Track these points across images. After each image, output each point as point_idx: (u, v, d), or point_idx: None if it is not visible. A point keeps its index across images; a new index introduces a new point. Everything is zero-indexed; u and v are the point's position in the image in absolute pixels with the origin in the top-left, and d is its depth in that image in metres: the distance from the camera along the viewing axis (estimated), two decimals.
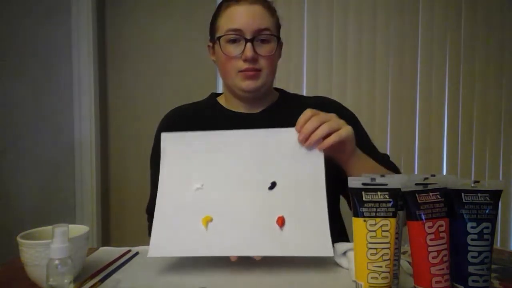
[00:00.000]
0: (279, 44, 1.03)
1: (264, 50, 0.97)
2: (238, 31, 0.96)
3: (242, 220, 0.76)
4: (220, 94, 1.15)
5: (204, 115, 1.09)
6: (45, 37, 2.11)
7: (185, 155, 0.83)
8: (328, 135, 0.80)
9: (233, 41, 0.97)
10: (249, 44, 0.95)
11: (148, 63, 2.22)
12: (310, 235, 0.74)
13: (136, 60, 2.23)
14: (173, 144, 0.84)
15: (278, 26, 1.03)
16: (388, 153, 1.11)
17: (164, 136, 0.85)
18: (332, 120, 0.81)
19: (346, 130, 0.81)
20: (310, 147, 0.80)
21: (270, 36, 0.98)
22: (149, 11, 2.21)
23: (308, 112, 0.82)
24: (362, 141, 1.04)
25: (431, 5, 2.16)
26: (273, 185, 0.78)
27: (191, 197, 0.79)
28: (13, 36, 2.10)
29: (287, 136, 0.82)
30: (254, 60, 0.96)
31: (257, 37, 0.96)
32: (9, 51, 2.10)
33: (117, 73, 2.25)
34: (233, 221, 0.76)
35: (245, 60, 0.96)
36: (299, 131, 0.81)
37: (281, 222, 0.75)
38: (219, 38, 0.98)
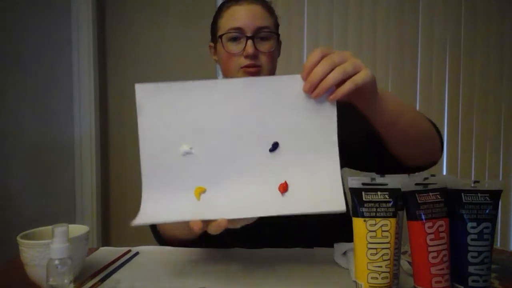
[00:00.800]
0: (278, 42, 1.06)
1: (264, 47, 0.99)
2: (239, 29, 0.98)
3: (239, 189, 0.67)
4: None
5: None
6: (45, 37, 2.11)
7: (168, 110, 0.69)
8: (342, 81, 0.66)
9: (234, 39, 1.00)
10: (249, 41, 0.97)
11: (148, 63, 2.22)
12: (319, 189, 0.64)
13: (136, 60, 2.23)
14: (152, 97, 0.69)
15: (277, 25, 1.06)
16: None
17: (139, 87, 0.70)
18: (348, 61, 0.66)
19: (364, 74, 0.66)
20: (319, 98, 0.67)
21: (270, 33, 1.01)
22: (149, 11, 2.21)
23: (316, 52, 0.67)
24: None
25: (431, 5, 2.16)
26: (274, 147, 0.68)
27: (179, 163, 0.69)
28: (13, 36, 2.09)
29: (291, 84, 0.68)
30: (255, 56, 0.98)
31: (257, 35, 0.99)
32: (9, 50, 2.10)
33: (117, 73, 2.25)
34: (229, 191, 0.67)
35: (246, 57, 0.98)
36: (305, 79, 0.67)
37: (283, 189, 0.67)
38: (220, 36, 1.01)
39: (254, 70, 0.99)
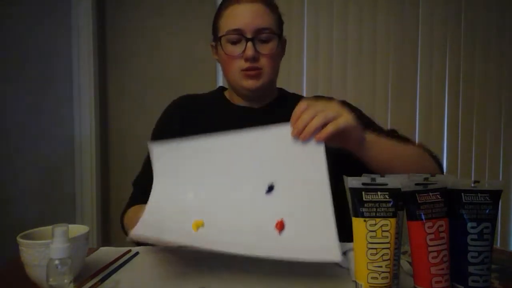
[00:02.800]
0: (282, 41, 1.04)
1: (265, 48, 0.98)
2: (238, 31, 0.96)
3: (236, 226, 0.70)
4: (227, 88, 1.16)
5: (208, 106, 1.11)
6: (45, 37, 2.11)
7: (176, 166, 0.79)
8: (325, 125, 0.73)
9: (234, 41, 0.98)
10: (249, 43, 0.95)
11: (148, 63, 2.22)
12: (314, 238, 0.66)
13: (136, 60, 2.22)
14: (163, 155, 0.80)
15: (280, 23, 1.03)
16: None
17: (152, 147, 0.81)
18: (329, 109, 0.74)
19: (345, 118, 0.74)
20: (307, 141, 0.73)
21: (271, 35, 0.98)
22: (149, 11, 2.21)
23: (302, 104, 0.76)
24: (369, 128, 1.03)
25: (431, 5, 2.16)
26: (270, 188, 0.73)
27: (183, 205, 0.75)
28: (13, 36, 2.09)
29: (282, 132, 0.75)
30: (255, 59, 0.96)
31: (257, 36, 0.96)
32: (9, 50, 2.10)
33: (117, 73, 2.25)
34: (226, 227, 0.70)
35: (246, 59, 0.96)
36: (293, 126, 0.75)
37: (280, 226, 0.69)
38: (220, 38, 0.99)
39: (254, 73, 0.98)
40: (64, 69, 2.12)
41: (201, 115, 1.08)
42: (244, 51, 0.96)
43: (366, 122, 1.02)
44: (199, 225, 0.72)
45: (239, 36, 0.96)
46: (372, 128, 1.02)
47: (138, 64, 2.22)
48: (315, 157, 0.72)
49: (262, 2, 0.99)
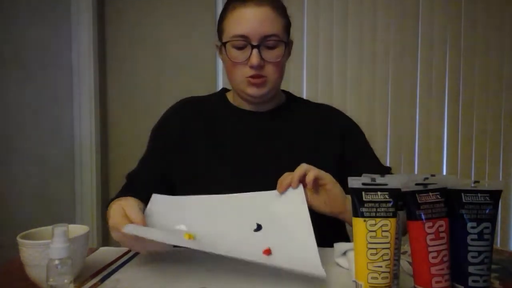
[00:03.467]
0: (289, 43, 1.02)
1: (271, 55, 0.95)
2: (244, 37, 0.93)
3: (226, 245, 0.73)
4: (229, 90, 1.14)
5: (212, 109, 1.09)
6: (45, 37, 2.11)
7: (170, 210, 0.83)
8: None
9: (240, 47, 0.95)
10: (255, 51, 0.92)
11: (148, 63, 2.22)
12: (300, 260, 0.71)
13: (136, 60, 2.22)
14: (159, 201, 0.85)
15: (287, 26, 1.01)
16: (388, 154, 1.11)
17: (152, 196, 0.86)
18: (311, 168, 0.82)
19: (323, 172, 0.83)
20: (290, 190, 0.82)
21: (277, 42, 0.95)
22: (149, 11, 2.21)
23: (285, 173, 0.84)
24: (365, 151, 1.07)
25: (431, 5, 2.16)
26: (259, 228, 0.77)
27: (174, 230, 0.79)
28: (13, 36, 2.10)
29: (269, 195, 0.84)
30: (260, 67, 0.94)
31: (263, 43, 0.93)
32: (9, 51, 2.10)
33: (117, 73, 2.25)
34: (217, 243, 0.74)
35: (251, 67, 0.94)
36: (279, 186, 0.83)
37: (267, 252, 0.74)
38: (225, 43, 0.97)
39: (259, 81, 0.96)
40: (64, 69, 2.12)
41: (203, 119, 1.06)
42: (249, 58, 0.93)
43: (366, 152, 1.07)
44: (190, 237, 0.75)
45: (244, 42, 0.93)
46: (368, 152, 1.06)
47: (138, 64, 2.22)
48: (297, 198, 0.81)
49: (269, 5, 0.94)
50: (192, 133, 1.04)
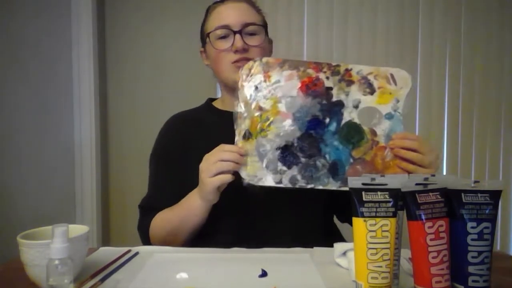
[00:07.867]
0: (268, 39, 1.06)
1: (253, 41, 0.99)
2: (226, 26, 0.98)
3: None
4: (215, 99, 1.17)
5: (203, 119, 1.10)
6: (45, 37, 2.11)
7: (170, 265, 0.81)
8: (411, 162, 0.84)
9: (223, 37, 0.99)
10: (237, 36, 0.97)
11: (148, 63, 2.22)
12: None
13: (136, 60, 2.22)
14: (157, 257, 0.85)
15: (264, 23, 1.05)
16: None
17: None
18: (430, 155, 0.83)
19: (429, 171, 0.82)
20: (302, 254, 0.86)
21: (258, 28, 1.00)
22: (149, 11, 2.21)
23: (416, 135, 0.87)
24: None
25: (431, 5, 2.16)
26: (264, 274, 0.74)
27: (175, 280, 0.75)
28: (13, 36, 2.09)
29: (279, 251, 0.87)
30: (244, 50, 0.97)
31: (245, 30, 0.98)
32: (9, 50, 2.10)
33: (117, 73, 2.25)
34: None
35: (236, 51, 0.97)
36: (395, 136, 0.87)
37: None
38: (208, 34, 1.01)
39: (245, 63, 0.95)
40: (64, 69, 2.12)
41: (196, 130, 1.08)
42: (233, 44, 0.97)
43: None
44: None
45: (227, 30, 0.98)
46: None
47: (138, 64, 2.22)
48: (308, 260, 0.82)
49: (246, 1, 1.03)
50: (190, 143, 1.05)
